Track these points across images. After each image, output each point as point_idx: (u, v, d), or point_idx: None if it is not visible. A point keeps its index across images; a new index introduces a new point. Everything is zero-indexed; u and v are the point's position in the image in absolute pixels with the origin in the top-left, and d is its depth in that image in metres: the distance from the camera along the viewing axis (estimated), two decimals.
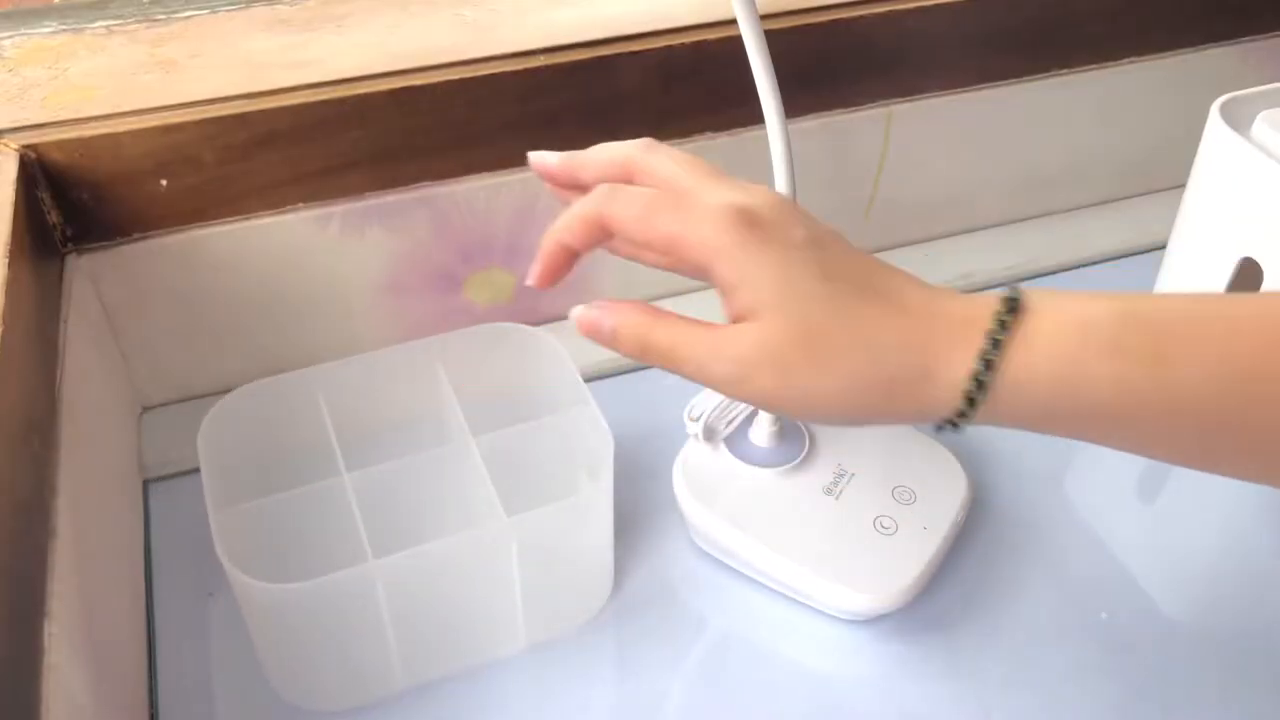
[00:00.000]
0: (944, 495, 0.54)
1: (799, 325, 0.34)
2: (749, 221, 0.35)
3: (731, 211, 0.35)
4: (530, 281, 0.39)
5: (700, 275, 0.36)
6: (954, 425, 0.35)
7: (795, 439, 0.56)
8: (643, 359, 0.37)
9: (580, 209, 0.37)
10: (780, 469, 0.54)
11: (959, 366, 0.34)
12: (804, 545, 0.51)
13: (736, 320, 0.35)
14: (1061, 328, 0.34)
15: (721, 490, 0.54)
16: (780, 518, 0.52)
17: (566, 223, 0.38)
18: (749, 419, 0.55)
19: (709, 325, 0.36)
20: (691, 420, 0.55)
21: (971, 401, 0.34)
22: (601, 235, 0.37)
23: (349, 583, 0.44)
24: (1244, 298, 0.33)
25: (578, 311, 0.38)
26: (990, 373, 0.33)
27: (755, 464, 0.54)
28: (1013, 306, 0.34)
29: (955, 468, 0.56)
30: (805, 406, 0.35)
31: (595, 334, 0.37)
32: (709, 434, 0.55)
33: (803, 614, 0.52)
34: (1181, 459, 0.35)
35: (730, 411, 0.55)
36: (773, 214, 0.36)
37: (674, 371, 0.37)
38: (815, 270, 0.35)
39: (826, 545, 0.51)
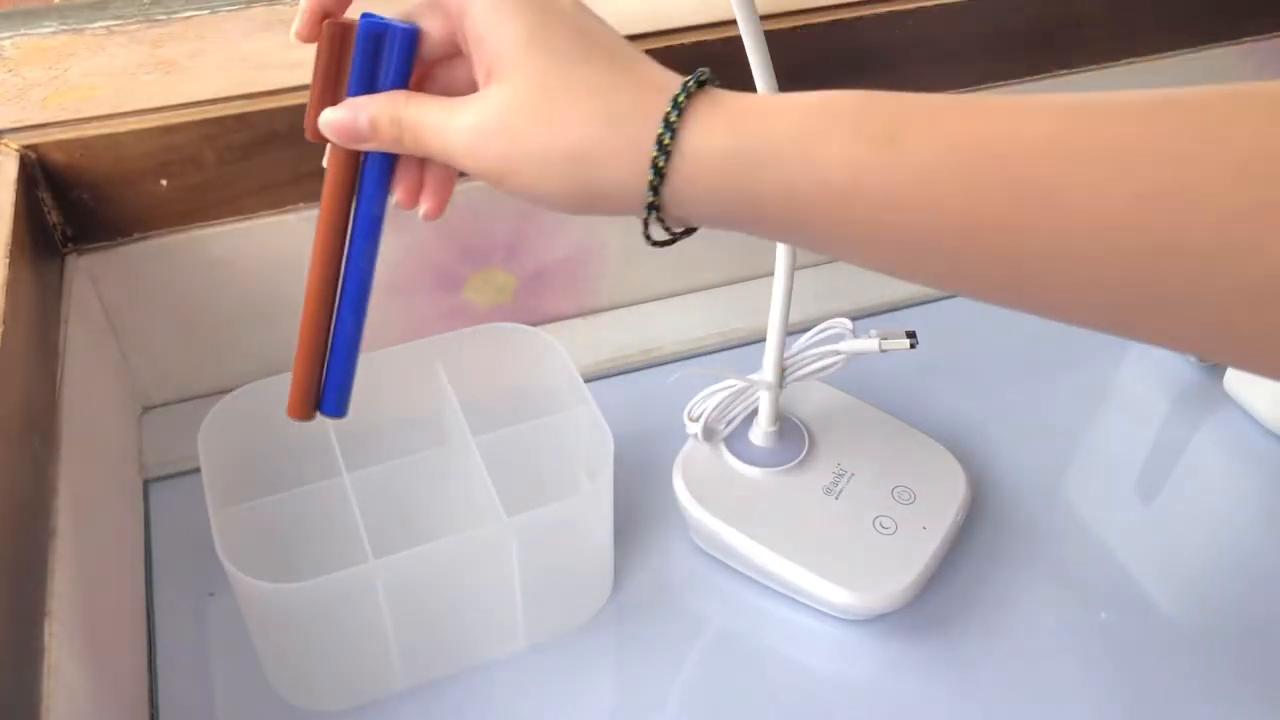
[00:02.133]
0: (944, 495, 0.54)
1: (535, 81, 0.33)
2: None
3: None
4: (292, 34, 0.37)
5: (456, 17, 0.34)
6: (654, 209, 0.33)
7: (795, 439, 0.56)
8: (401, 147, 0.35)
9: None
10: (780, 469, 0.54)
11: (649, 134, 0.32)
12: (804, 545, 0.51)
13: (481, 74, 0.34)
14: (766, 110, 0.32)
15: (721, 490, 0.54)
16: (780, 518, 0.52)
17: None
18: (749, 419, 0.56)
19: (453, 99, 0.35)
20: (691, 420, 0.55)
21: (658, 170, 0.32)
22: None
23: (349, 583, 0.44)
24: (986, 95, 0.31)
25: (326, 117, 0.36)
26: (671, 136, 0.32)
27: (755, 464, 0.54)
28: (700, 79, 0.33)
29: (955, 468, 0.56)
30: (532, 184, 0.33)
31: (353, 133, 0.35)
32: (709, 434, 0.55)
33: (803, 614, 0.52)
34: (897, 260, 0.32)
35: (730, 411, 0.55)
36: None
37: (427, 154, 0.35)
38: (568, 30, 0.33)
39: (826, 545, 0.51)
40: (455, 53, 0.36)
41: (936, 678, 0.50)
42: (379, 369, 0.53)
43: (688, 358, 0.66)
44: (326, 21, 0.36)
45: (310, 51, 0.38)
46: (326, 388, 0.40)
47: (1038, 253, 0.28)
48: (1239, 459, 0.61)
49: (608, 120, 0.32)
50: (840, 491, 0.54)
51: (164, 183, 0.53)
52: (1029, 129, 0.29)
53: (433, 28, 0.36)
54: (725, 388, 0.55)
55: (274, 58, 0.56)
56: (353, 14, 0.37)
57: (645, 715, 0.49)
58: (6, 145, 0.50)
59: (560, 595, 0.51)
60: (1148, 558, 0.55)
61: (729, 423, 0.55)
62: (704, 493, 0.53)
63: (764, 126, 0.32)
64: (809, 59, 0.63)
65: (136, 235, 0.55)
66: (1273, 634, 0.52)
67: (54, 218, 0.53)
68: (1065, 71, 0.70)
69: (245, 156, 0.54)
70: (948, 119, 0.30)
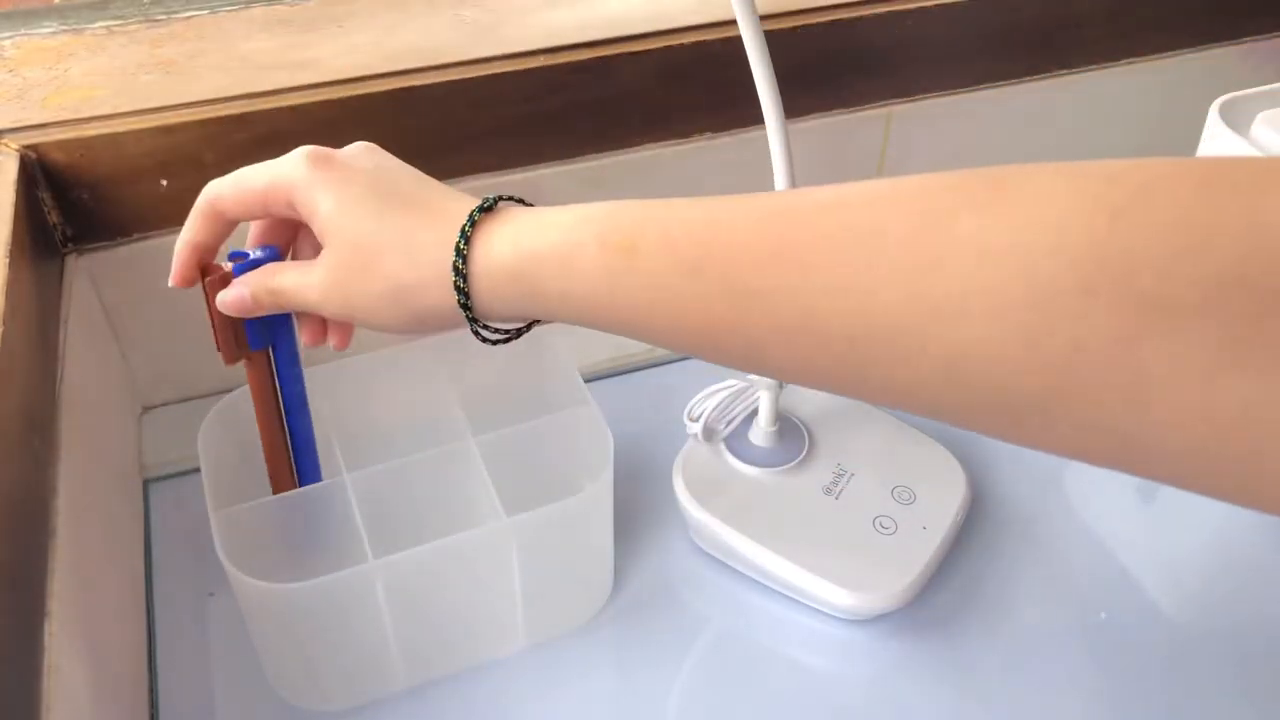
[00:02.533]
0: (944, 495, 0.54)
1: (348, 241, 0.38)
2: (321, 158, 0.39)
3: (308, 152, 0.40)
4: (170, 282, 0.43)
5: (293, 211, 0.40)
6: (475, 321, 0.38)
7: (795, 439, 0.56)
8: (279, 309, 0.42)
9: (193, 210, 0.42)
10: (780, 469, 0.54)
11: (446, 260, 0.37)
12: (804, 545, 0.51)
13: (319, 243, 0.40)
14: (542, 225, 0.36)
15: (721, 490, 0.54)
16: (780, 518, 0.52)
17: (187, 224, 0.42)
18: (749, 419, 0.56)
19: (307, 263, 0.40)
20: (691, 420, 0.55)
21: (460, 290, 0.37)
22: (218, 222, 0.42)
23: (349, 583, 0.44)
24: (716, 199, 0.34)
25: (222, 297, 0.42)
26: (463, 262, 0.37)
27: (755, 464, 0.54)
28: (485, 205, 0.37)
29: (955, 468, 0.56)
30: (371, 318, 0.39)
31: (244, 306, 0.42)
32: (709, 434, 0.55)
33: (803, 614, 0.52)
34: (671, 347, 0.36)
35: (730, 411, 0.55)
36: (347, 154, 0.40)
37: (298, 311, 0.42)
38: (368, 190, 0.39)
39: (826, 545, 0.51)
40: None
41: (936, 678, 0.50)
42: (379, 369, 0.53)
43: (688, 358, 0.66)
44: (208, 280, 0.42)
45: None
46: (301, 479, 0.49)
47: (761, 345, 0.32)
48: None
49: (411, 258, 0.38)
50: (840, 491, 0.54)
51: (164, 183, 0.53)
52: (736, 235, 0.32)
53: (280, 215, 0.41)
54: (725, 388, 0.55)
55: (274, 58, 0.56)
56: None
57: (645, 715, 0.49)
58: (6, 145, 0.50)
59: (560, 595, 0.51)
60: (1148, 558, 0.55)
61: (729, 423, 0.55)
62: (704, 493, 0.53)
63: (537, 242, 0.36)
64: (809, 59, 0.63)
65: (136, 235, 0.55)
66: (1273, 634, 0.52)
67: (54, 218, 0.53)
68: (1065, 71, 0.70)
69: (245, 156, 0.54)
70: (676, 227, 0.33)
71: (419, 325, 0.39)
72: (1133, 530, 0.57)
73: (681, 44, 0.59)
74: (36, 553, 0.40)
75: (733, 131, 0.63)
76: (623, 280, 0.34)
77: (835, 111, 0.66)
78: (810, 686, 0.50)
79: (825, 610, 0.52)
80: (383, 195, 0.39)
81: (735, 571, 0.54)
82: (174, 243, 0.55)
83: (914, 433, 0.57)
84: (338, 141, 0.55)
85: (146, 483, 0.58)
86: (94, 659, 0.42)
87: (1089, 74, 0.71)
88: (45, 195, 0.52)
